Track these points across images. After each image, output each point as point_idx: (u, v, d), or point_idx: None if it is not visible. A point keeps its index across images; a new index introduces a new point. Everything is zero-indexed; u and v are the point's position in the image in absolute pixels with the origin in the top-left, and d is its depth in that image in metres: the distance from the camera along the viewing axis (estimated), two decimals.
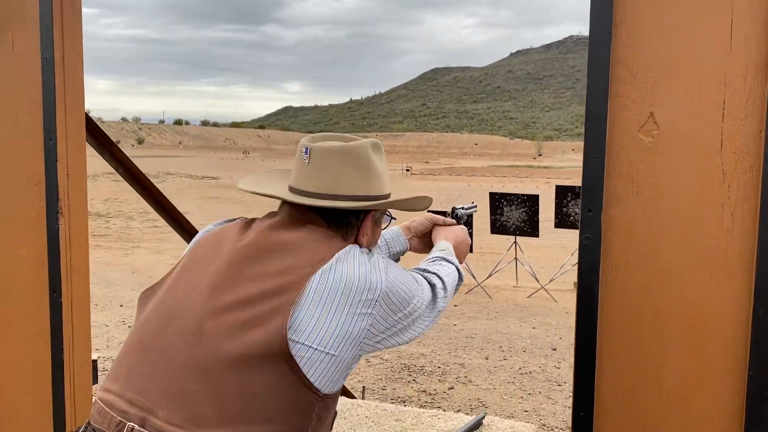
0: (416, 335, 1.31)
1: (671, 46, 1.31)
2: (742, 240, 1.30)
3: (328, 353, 1.16)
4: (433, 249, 1.57)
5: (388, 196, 1.40)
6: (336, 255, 1.22)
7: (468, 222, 1.73)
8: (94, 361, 3.02)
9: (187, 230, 3.04)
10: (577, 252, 1.41)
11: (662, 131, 1.33)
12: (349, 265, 1.21)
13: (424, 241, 1.68)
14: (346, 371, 1.21)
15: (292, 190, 1.36)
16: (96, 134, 2.46)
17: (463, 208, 1.74)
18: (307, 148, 1.34)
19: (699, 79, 1.30)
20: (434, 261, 1.48)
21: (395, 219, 1.54)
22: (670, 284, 1.35)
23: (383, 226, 1.48)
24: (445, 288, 1.39)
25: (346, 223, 1.34)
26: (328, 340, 1.16)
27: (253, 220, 1.36)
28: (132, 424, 1.14)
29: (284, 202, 1.36)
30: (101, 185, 25.79)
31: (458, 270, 1.50)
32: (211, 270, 1.24)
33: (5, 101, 1.84)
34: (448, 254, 1.53)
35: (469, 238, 1.67)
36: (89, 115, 2.39)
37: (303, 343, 1.14)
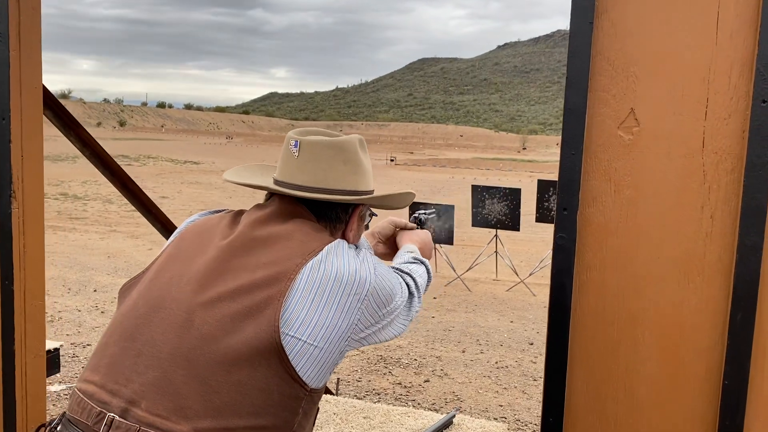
0: (395, 334, 1.32)
1: (655, 40, 1.25)
2: (721, 244, 1.25)
3: (317, 346, 1.15)
4: (401, 250, 1.57)
5: (373, 191, 1.41)
6: (326, 247, 1.21)
7: (427, 226, 1.77)
8: (56, 349, 2.93)
9: (155, 216, 2.95)
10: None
11: (643, 128, 1.27)
12: (340, 259, 1.21)
13: (388, 246, 1.68)
14: (332, 366, 1.20)
15: (279, 183, 1.34)
16: (61, 114, 2.36)
17: (425, 213, 1.77)
18: (296, 141, 1.33)
19: (682, 75, 1.25)
20: (406, 262, 1.48)
21: (376, 216, 1.54)
22: (646, 288, 1.30)
23: (366, 222, 1.48)
24: (418, 289, 1.41)
25: (335, 217, 1.35)
26: (318, 333, 1.15)
27: (241, 212, 1.34)
28: (112, 414, 1.11)
29: (272, 195, 1.35)
30: (80, 167, 25.38)
31: (428, 270, 1.51)
32: (200, 261, 1.22)
33: None
34: (418, 255, 1.53)
35: (432, 242, 1.67)
36: (53, 94, 2.29)
37: (293, 336, 1.13)
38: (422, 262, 1.50)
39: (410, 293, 1.37)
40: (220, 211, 1.38)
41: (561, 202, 1.31)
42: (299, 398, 1.15)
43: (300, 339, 1.13)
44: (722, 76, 1.22)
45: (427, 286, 1.48)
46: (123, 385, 1.13)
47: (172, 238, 1.35)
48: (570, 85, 1.28)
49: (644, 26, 1.26)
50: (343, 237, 1.36)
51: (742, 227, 1.22)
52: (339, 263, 1.20)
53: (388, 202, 1.46)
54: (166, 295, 1.19)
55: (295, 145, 1.33)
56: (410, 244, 1.58)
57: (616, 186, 1.30)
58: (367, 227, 1.51)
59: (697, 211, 1.25)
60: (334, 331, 1.17)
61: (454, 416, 2.19)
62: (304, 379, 1.15)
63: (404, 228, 1.67)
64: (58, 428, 1.17)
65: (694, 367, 1.29)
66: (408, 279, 1.39)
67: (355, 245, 1.36)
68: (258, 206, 1.34)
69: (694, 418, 1.30)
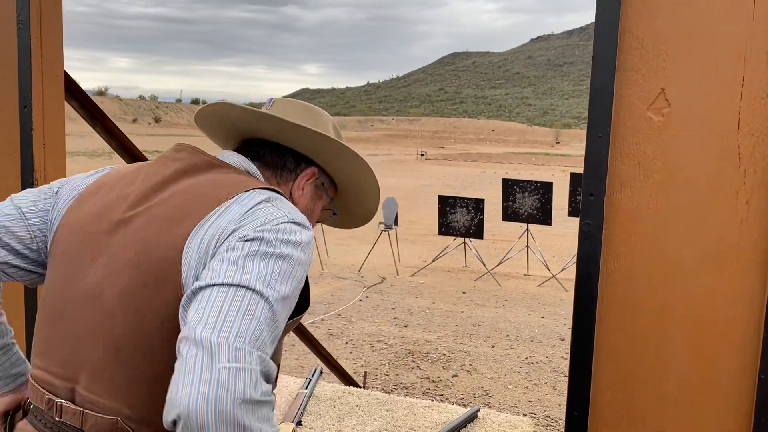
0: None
1: (687, 16, 1.19)
2: (757, 231, 1.18)
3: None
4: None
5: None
6: (244, 193, 1.06)
7: None
8: None
9: None
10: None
11: (674, 110, 1.21)
12: (266, 204, 1.05)
13: None
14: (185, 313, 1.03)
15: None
16: (87, 105, 2.37)
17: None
18: (271, 99, 1.29)
19: (716, 52, 1.18)
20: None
21: (337, 215, 1.42)
22: (676, 278, 1.24)
23: (323, 209, 1.36)
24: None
25: (282, 165, 1.24)
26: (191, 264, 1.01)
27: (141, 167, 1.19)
28: (60, 400, 1.06)
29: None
30: (116, 162, 25.83)
31: None
32: (91, 232, 1.11)
33: None
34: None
35: None
36: (80, 86, 2.30)
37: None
38: None
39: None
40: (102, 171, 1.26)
41: (587, 187, 1.26)
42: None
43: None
44: (760, 53, 1.15)
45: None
46: (61, 367, 1.08)
47: (85, 176, 1.24)
48: (597, 64, 1.22)
49: (675, 1, 1.19)
50: (290, 196, 1.25)
51: None
52: (264, 207, 1.03)
53: (344, 170, 1.31)
54: (74, 272, 1.10)
55: (269, 102, 1.29)
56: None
57: (645, 170, 1.23)
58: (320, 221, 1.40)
59: (732, 196, 1.19)
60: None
61: (478, 410, 2.14)
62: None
63: None
64: (27, 417, 1.13)
65: (728, 361, 1.22)
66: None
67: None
68: (171, 153, 1.18)
69: (728, 415, 1.23)
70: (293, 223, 1.03)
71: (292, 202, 1.21)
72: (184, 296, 0.94)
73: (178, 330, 0.92)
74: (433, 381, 5.25)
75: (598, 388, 1.30)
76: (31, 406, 1.13)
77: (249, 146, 1.27)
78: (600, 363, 1.30)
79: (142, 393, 1.02)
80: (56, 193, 1.22)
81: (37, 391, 1.11)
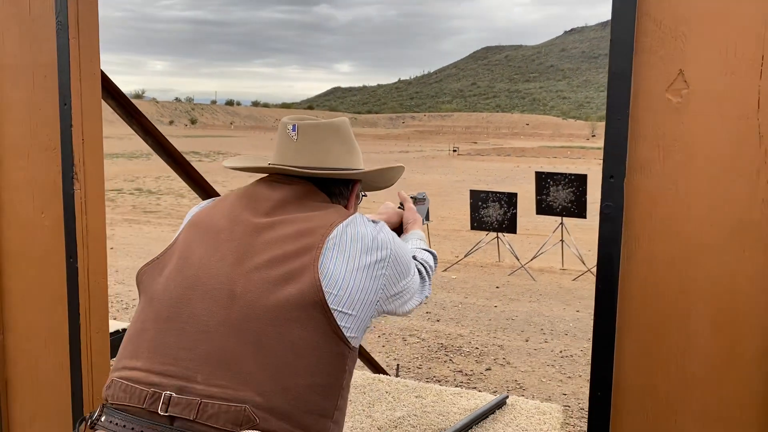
0: (410, 310, 1.41)
1: None
2: None
3: (353, 307, 1.20)
4: (410, 234, 1.68)
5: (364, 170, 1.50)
6: (347, 219, 1.28)
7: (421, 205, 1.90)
8: (126, 330, 3.04)
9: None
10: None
11: (692, 90, 1.21)
12: (360, 226, 1.28)
13: (395, 217, 1.78)
14: (365, 328, 1.26)
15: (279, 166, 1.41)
16: (123, 103, 2.46)
17: (421, 195, 1.90)
18: (294, 125, 1.39)
19: (735, 30, 1.18)
20: (418, 248, 1.60)
21: (366, 195, 1.63)
22: (698, 258, 1.24)
23: (359, 201, 1.57)
24: (429, 275, 1.52)
25: (339, 193, 1.42)
26: (354, 296, 1.21)
27: (245, 192, 1.37)
28: (169, 392, 1.10)
29: (272, 176, 1.40)
30: (154, 164, 26.40)
31: (435, 259, 1.62)
32: (228, 239, 1.24)
33: (24, 66, 1.84)
34: (426, 245, 1.65)
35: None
36: (116, 85, 2.39)
37: (335, 294, 1.17)
38: (431, 252, 1.61)
39: (422, 278, 1.47)
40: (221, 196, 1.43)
41: (607, 169, 1.27)
42: (345, 356, 1.20)
43: (340, 297, 1.18)
44: None
45: (434, 271, 1.58)
46: (171, 364, 1.13)
47: (182, 227, 1.37)
48: (614, 47, 1.23)
49: None
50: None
51: None
52: (360, 229, 1.27)
53: (381, 177, 1.55)
54: (200, 273, 1.21)
55: (293, 129, 1.39)
56: (419, 230, 1.69)
57: (664, 152, 1.24)
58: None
59: (753, 176, 1.19)
60: (366, 294, 1.23)
61: (507, 397, 2.16)
62: (347, 335, 1.19)
63: (406, 201, 1.79)
64: (102, 419, 1.14)
65: (751, 341, 1.23)
66: (419, 266, 1.49)
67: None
68: (266, 185, 1.36)
69: (751, 396, 1.23)
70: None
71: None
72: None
73: (312, 319, 1.15)
74: (466, 374, 5.26)
75: (620, 368, 1.32)
76: (112, 408, 1.15)
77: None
78: (623, 343, 1.31)
79: (276, 382, 1.11)
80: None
81: (133, 390, 1.13)
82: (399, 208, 1.79)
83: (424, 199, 1.86)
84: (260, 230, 1.25)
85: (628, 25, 1.22)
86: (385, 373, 3.37)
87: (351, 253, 1.23)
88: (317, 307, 1.15)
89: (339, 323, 1.17)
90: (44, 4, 1.77)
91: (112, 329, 2.72)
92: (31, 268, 1.92)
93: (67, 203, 1.76)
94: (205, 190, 3.07)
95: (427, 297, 1.48)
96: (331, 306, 1.16)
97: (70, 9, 1.70)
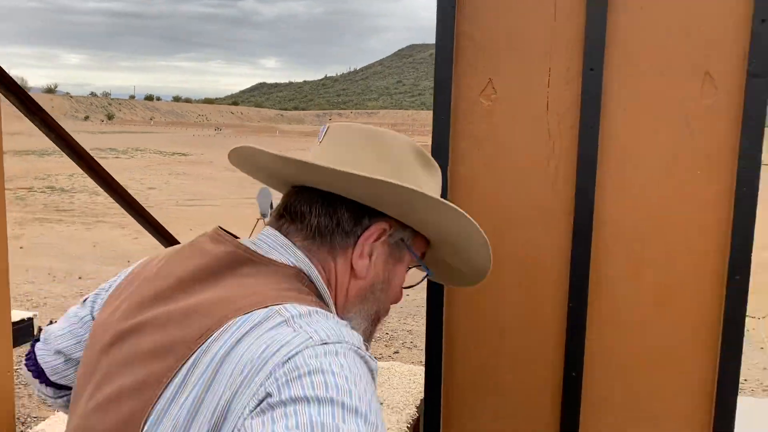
0: None
1: (508, 20, 1.49)
2: (564, 189, 1.49)
3: None
4: None
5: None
6: (267, 310, 0.78)
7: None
8: (30, 319, 3.16)
9: (125, 199, 3.15)
10: None
11: (499, 96, 1.51)
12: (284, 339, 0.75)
13: None
14: None
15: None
16: (23, 99, 2.56)
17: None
18: (325, 127, 1.05)
19: (530, 49, 1.48)
20: None
21: (432, 274, 1.12)
22: (508, 230, 1.54)
23: (408, 270, 1.05)
24: None
25: (336, 225, 0.93)
26: None
27: (177, 251, 0.97)
28: None
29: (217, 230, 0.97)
30: (67, 161, 25.41)
31: None
32: (95, 362, 0.91)
33: None
34: None
35: None
36: (13, 78, 2.49)
37: None
38: None
39: None
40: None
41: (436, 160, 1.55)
42: None
43: None
44: (560, 49, 1.46)
45: None
46: None
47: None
48: (439, 60, 1.51)
49: (498, 9, 1.49)
50: (351, 266, 0.95)
51: (579, 175, 1.46)
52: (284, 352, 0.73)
53: (447, 222, 0.99)
54: (82, 423, 0.89)
55: (323, 131, 1.04)
56: None
57: (479, 145, 1.53)
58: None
59: (544, 162, 1.50)
60: None
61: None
62: None
63: None
64: None
65: (547, 294, 1.54)
66: None
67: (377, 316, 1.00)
68: (204, 241, 0.94)
69: (549, 339, 1.55)
70: None
71: (354, 278, 0.95)
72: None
73: None
74: (376, 357, 5.55)
75: (450, 333, 1.61)
76: None
77: (296, 199, 0.97)
78: (451, 308, 1.60)
79: None
80: None
81: None
82: None
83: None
84: (114, 344, 0.85)
85: (449, 41, 1.50)
86: None
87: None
88: None
89: None
90: None
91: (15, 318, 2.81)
92: None
93: None
94: (111, 187, 3.19)
95: None
96: None
97: None
